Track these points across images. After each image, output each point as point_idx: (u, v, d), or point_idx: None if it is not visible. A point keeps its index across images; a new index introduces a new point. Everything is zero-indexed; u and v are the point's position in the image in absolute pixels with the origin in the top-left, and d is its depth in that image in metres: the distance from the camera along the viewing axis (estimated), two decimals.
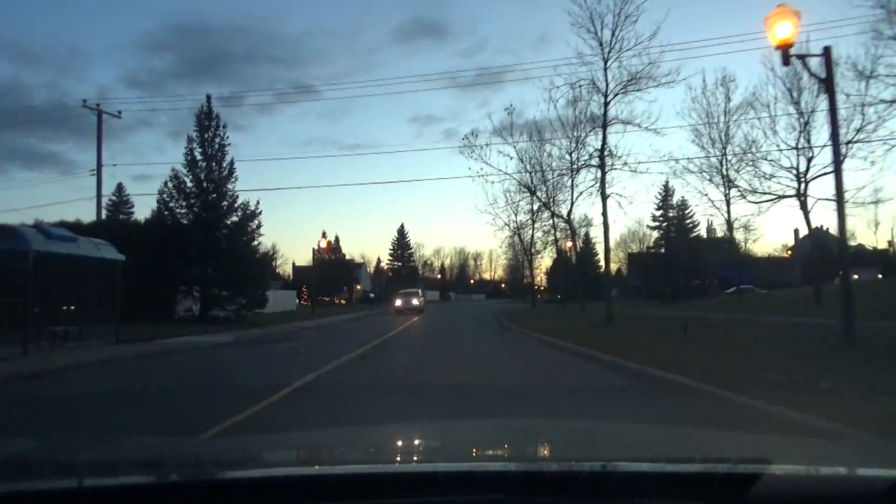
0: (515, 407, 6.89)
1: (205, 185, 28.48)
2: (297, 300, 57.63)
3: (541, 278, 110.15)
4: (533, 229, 40.34)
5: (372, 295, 78.42)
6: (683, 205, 53.29)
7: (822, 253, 63.40)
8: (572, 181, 30.64)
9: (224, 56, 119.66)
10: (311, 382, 9.07)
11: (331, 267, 69.92)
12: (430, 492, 1.27)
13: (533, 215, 38.97)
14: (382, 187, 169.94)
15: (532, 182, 32.56)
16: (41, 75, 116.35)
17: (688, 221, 53.41)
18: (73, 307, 16.21)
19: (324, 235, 60.45)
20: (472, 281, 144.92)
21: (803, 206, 25.41)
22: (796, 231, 77.06)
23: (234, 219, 29.15)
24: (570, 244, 42.01)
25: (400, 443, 2.22)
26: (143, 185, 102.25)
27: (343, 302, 71.98)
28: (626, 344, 12.18)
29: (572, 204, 31.26)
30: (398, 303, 41.93)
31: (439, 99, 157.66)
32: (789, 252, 73.73)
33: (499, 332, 20.89)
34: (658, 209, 51.24)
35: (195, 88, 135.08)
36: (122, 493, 1.30)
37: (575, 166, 26.61)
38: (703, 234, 55.76)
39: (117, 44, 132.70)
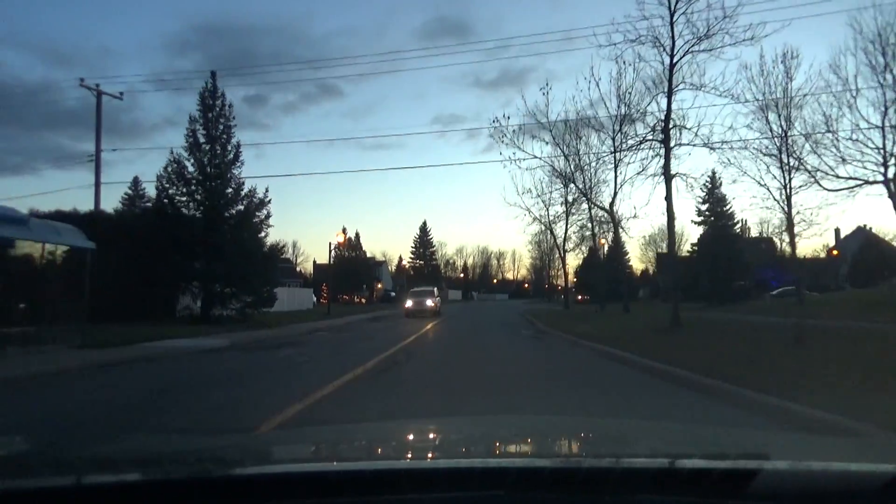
0: None
1: (208, 170, 25.72)
2: (317, 299, 55.04)
3: (570, 277, 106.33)
4: (567, 223, 37.08)
5: (392, 294, 75.62)
6: (722, 200, 49.71)
7: (875, 253, 58.72)
8: (616, 166, 27.57)
9: (250, 56, 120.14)
10: (291, 421, 6.06)
11: (351, 264, 67.35)
12: (429, 488, 1.25)
13: (568, 207, 35.84)
14: (404, 186, 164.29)
15: (570, 168, 29.42)
16: (72, 74, 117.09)
17: (732, 221, 49.67)
18: (31, 304, 13.49)
19: (343, 231, 57.69)
20: (494, 280, 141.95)
21: (893, 195, 21.79)
22: (837, 231, 72.57)
23: (240, 208, 26.36)
24: (603, 240, 38.83)
25: (400, 439, 2.17)
26: None
27: (363, 301, 69.24)
28: (723, 360, 8.99)
29: (616, 192, 28.17)
30: (409, 304, 35.04)
31: (462, 98, 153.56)
32: (835, 252, 69.24)
33: (536, 338, 17.77)
34: (704, 202, 47.49)
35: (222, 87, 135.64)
36: (123, 490, 1.28)
37: (621, 146, 23.35)
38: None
39: (146, 44, 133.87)
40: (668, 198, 16.19)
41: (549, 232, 38.93)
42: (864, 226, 72.14)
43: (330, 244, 47.99)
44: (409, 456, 1.90)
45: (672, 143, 16.44)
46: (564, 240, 38.61)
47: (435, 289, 40.07)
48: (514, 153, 26.85)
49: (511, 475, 1.30)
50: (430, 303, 34.37)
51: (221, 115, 26.08)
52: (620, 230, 30.22)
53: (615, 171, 27.33)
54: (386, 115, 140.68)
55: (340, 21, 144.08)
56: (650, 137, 18.00)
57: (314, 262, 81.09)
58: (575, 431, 2.28)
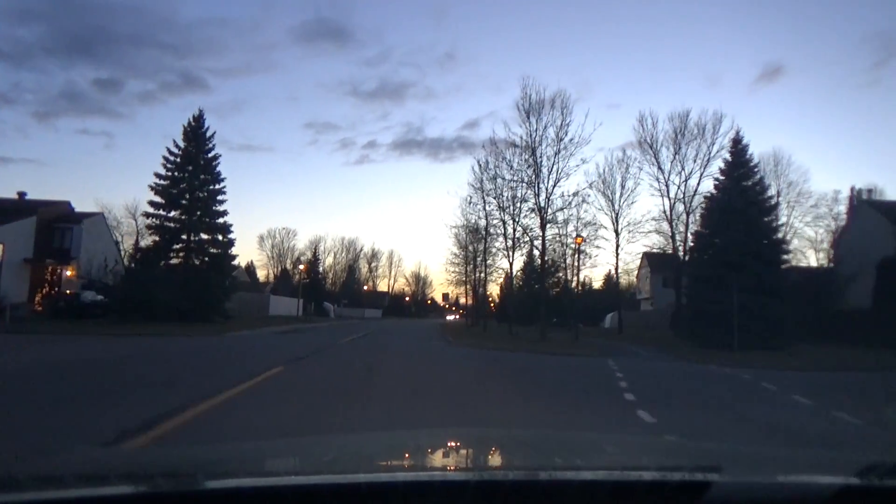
0: None
1: None
2: None
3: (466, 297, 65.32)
4: None
5: (100, 297, 27.97)
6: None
7: None
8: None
9: (104, 34, 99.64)
10: None
11: None
12: (387, 501, 1.23)
13: None
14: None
15: None
16: None
17: None
18: None
19: None
20: (365, 287, 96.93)
21: None
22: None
23: None
24: None
25: (357, 452, 2.08)
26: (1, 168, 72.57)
27: None
28: None
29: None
30: None
31: (338, 106, 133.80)
32: None
33: None
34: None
35: (69, 66, 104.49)
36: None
37: None
38: None
39: None
40: None
41: None
42: None
43: None
44: (367, 469, 1.76)
45: None
46: None
47: None
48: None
49: (470, 488, 1.28)
50: None
51: None
52: None
53: None
54: (255, 115, 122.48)
55: (210, 9, 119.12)
56: None
57: None
58: (533, 444, 2.25)
